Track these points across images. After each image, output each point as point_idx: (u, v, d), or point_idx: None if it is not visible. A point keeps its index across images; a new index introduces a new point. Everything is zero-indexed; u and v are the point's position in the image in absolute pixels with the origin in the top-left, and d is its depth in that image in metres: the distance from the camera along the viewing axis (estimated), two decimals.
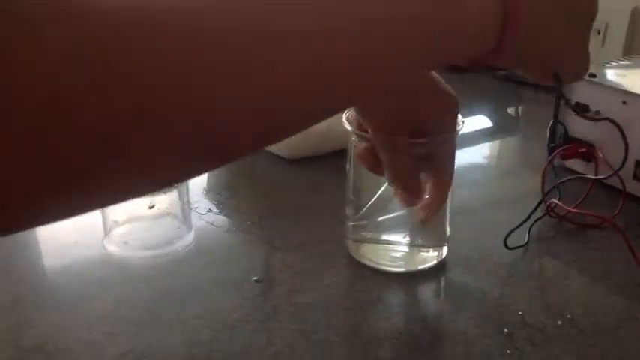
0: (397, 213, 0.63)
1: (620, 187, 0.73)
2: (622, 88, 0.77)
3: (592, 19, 0.48)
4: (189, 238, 0.69)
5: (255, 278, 0.63)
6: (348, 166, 0.64)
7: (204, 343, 0.54)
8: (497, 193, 0.84)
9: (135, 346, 0.54)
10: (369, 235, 0.65)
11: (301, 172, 0.85)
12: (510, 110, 1.18)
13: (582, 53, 0.50)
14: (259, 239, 0.70)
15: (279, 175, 0.85)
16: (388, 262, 0.64)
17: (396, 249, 0.65)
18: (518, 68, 0.48)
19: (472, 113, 1.08)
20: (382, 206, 0.63)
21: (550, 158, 0.74)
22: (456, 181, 0.61)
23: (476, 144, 0.97)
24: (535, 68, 0.49)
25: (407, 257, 0.65)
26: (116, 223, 0.70)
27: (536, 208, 0.69)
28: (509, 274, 0.65)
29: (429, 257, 0.65)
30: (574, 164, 0.83)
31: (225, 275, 0.63)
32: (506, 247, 0.67)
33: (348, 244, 0.66)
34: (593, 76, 0.80)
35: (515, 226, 0.69)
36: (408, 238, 0.65)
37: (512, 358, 0.53)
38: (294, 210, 0.76)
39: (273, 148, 0.88)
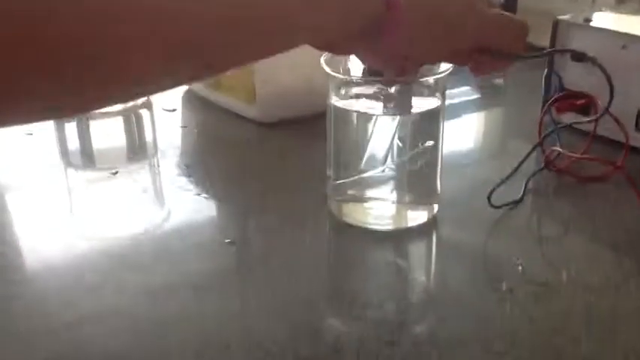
0: (381, 168, 0.57)
1: (622, 139, 0.68)
2: (620, 31, 0.72)
3: None
4: (163, 207, 0.64)
5: (227, 240, 0.57)
6: (328, 123, 0.58)
7: (172, 308, 0.49)
8: (494, 153, 0.78)
9: (95, 311, 0.48)
10: (353, 192, 0.59)
11: (276, 135, 0.78)
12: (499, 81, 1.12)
13: (503, 23, 0.50)
14: (232, 202, 0.64)
15: (252, 138, 0.79)
16: (375, 221, 0.58)
17: (382, 207, 0.59)
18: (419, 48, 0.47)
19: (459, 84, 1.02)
20: (368, 163, 0.58)
21: (545, 108, 0.69)
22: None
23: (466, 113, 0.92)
24: (433, 47, 0.48)
25: (394, 215, 0.59)
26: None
27: (526, 157, 0.63)
28: (505, 230, 0.59)
29: (419, 215, 0.59)
30: (571, 118, 0.77)
31: (197, 240, 0.58)
32: (490, 204, 0.61)
33: (331, 204, 0.60)
34: (589, 20, 0.74)
35: (509, 180, 0.63)
36: (395, 194, 0.59)
37: (515, 316, 0.48)
38: (269, 173, 0.70)
39: (246, 112, 0.82)
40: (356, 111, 0.56)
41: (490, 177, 0.64)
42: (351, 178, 0.58)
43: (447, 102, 0.58)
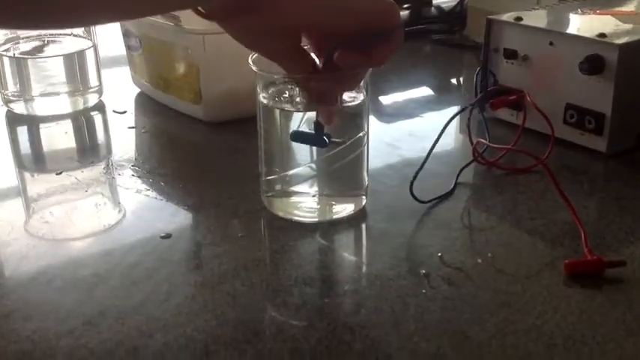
0: (304, 166, 0.60)
1: (549, 132, 0.71)
2: (547, 28, 0.74)
3: None
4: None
5: (162, 235, 0.59)
6: (258, 121, 0.60)
7: (98, 299, 0.50)
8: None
9: (22, 305, 0.50)
10: (280, 188, 0.62)
11: (221, 135, 0.80)
12: (453, 80, 1.15)
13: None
14: (172, 199, 0.66)
15: (198, 138, 0.81)
16: (301, 213, 0.60)
17: (307, 200, 0.62)
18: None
19: (414, 82, 1.04)
20: (292, 159, 0.60)
21: (473, 102, 0.71)
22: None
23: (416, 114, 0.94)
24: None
25: (320, 208, 0.62)
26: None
27: (434, 145, 0.66)
28: (431, 219, 0.61)
29: (345, 207, 0.62)
30: (504, 114, 0.80)
31: (132, 235, 0.60)
32: (414, 197, 0.63)
33: (263, 199, 0.62)
34: (520, 19, 0.77)
35: (441, 175, 0.66)
36: (318, 188, 0.61)
37: (427, 298, 0.50)
38: (211, 171, 0.72)
39: (193, 112, 0.84)
40: (279, 108, 0.58)
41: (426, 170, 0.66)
42: (277, 175, 0.60)
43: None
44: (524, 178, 0.68)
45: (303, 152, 0.59)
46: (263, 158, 0.61)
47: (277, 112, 0.58)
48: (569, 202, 0.58)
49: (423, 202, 0.63)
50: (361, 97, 0.59)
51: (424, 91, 1.02)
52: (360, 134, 0.60)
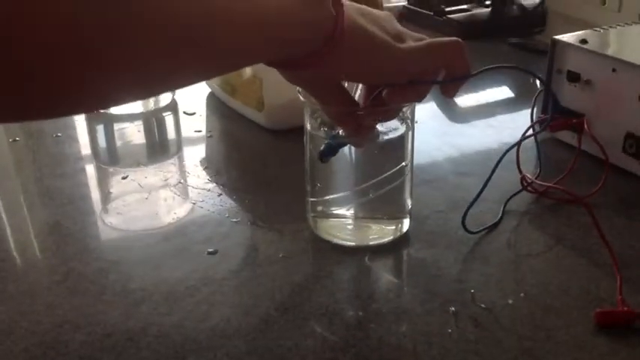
0: (343, 193, 0.62)
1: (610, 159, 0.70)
2: (610, 55, 0.72)
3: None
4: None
5: (209, 250, 0.62)
6: (305, 144, 0.62)
7: (142, 315, 0.54)
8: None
9: (72, 317, 0.54)
10: (322, 209, 0.64)
11: (283, 143, 0.83)
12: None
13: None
14: (225, 211, 0.69)
15: (260, 145, 0.84)
16: (340, 235, 0.62)
17: (346, 224, 0.64)
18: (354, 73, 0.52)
19: (478, 87, 1.03)
20: (335, 185, 0.63)
21: (527, 129, 0.71)
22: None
23: (483, 117, 0.94)
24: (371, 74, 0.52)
25: (356, 232, 0.63)
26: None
27: (489, 178, 0.65)
28: (471, 251, 0.62)
29: (383, 232, 0.63)
30: (565, 135, 0.79)
31: (181, 247, 0.63)
32: (466, 229, 0.64)
33: (309, 218, 0.65)
34: (585, 42, 0.75)
35: (488, 200, 0.66)
36: (352, 212, 0.63)
37: (452, 339, 0.51)
38: (267, 182, 0.75)
39: (256, 118, 0.87)
40: (322, 137, 0.60)
41: (472, 193, 0.66)
42: (320, 198, 0.62)
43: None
44: (574, 209, 0.67)
45: (344, 177, 0.60)
46: (308, 180, 0.63)
47: (321, 140, 0.60)
48: (608, 245, 0.58)
49: (471, 232, 0.63)
50: (403, 128, 0.60)
51: (489, 98, 1.01)
52: (402, 164, 0.61)
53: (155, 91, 0.61)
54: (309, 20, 0.45)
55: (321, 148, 0.57)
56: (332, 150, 0.57)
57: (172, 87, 0.49)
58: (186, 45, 0.39)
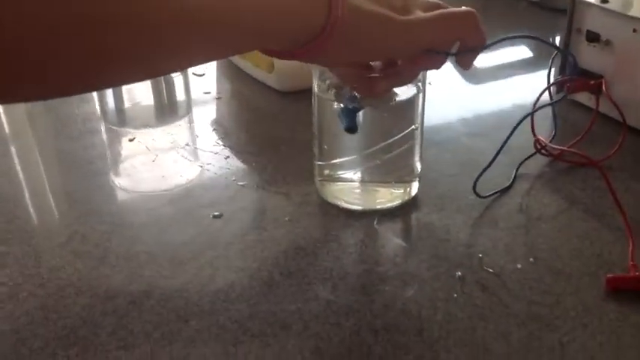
0: (351, 157, 0.60)
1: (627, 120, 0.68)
2: (631, 15, 0.70)
3: None
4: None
5: (214, 214, 0.61)
6: (313, 108, 0.61)
7: (145, 278, 0.54)
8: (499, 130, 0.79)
9: (75, 280, 0.54)
10: (329, 173, 0.62)
11: (292, 104, 0.82)
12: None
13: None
14: (232, 174, 0.68)
15: (270, 106, 0.83)
16: (347, 199, 0.61)
17: (353, 188, 0.62)
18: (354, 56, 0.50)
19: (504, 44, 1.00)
20: (339, 147, 0.61)
21: (543, 91, 0.69)
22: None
23: (499, 78, 0.92)
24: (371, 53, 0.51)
25: (363, 196, 0.62)
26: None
27: (510, 136, 0.62)
28: (481, 215, 0.61)
29: (391, 196, 0.62)
30: (583, 97, 0.77)
31: (186, 210, 0.63)
32: (476, 194, 0.62)
33: (316, 182, 0.64)
34: (606, 1, 0.72)
35: (500, 164, 0.64)
36: (359, 175, 0.61)
37: (457, 304, 0.50)
38: (276, 145, 0.74)
39: (267, 80, 0.85)
40: (331, 100, 0.58)
41: (484, 157, 0.64)
42: (327, 162, 0.61)
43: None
44: (589, 173, 0.66)
45: (351, 142, 0.59)
46: (316, 143, 0.62)
47: (332, 103, 0.58)
48: (622, 209, 0.56)
49: (482, 197, 0.62)
50: (413, 90, 0.58)
51: (506, 57, 0.99)
52: (412, 127, 0.59)
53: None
54: (301, 10, 0.45)
55: (340, 117, 0.56)
56: (351, 117, 0.56)
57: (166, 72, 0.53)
58: (192, 34, 0.40)
